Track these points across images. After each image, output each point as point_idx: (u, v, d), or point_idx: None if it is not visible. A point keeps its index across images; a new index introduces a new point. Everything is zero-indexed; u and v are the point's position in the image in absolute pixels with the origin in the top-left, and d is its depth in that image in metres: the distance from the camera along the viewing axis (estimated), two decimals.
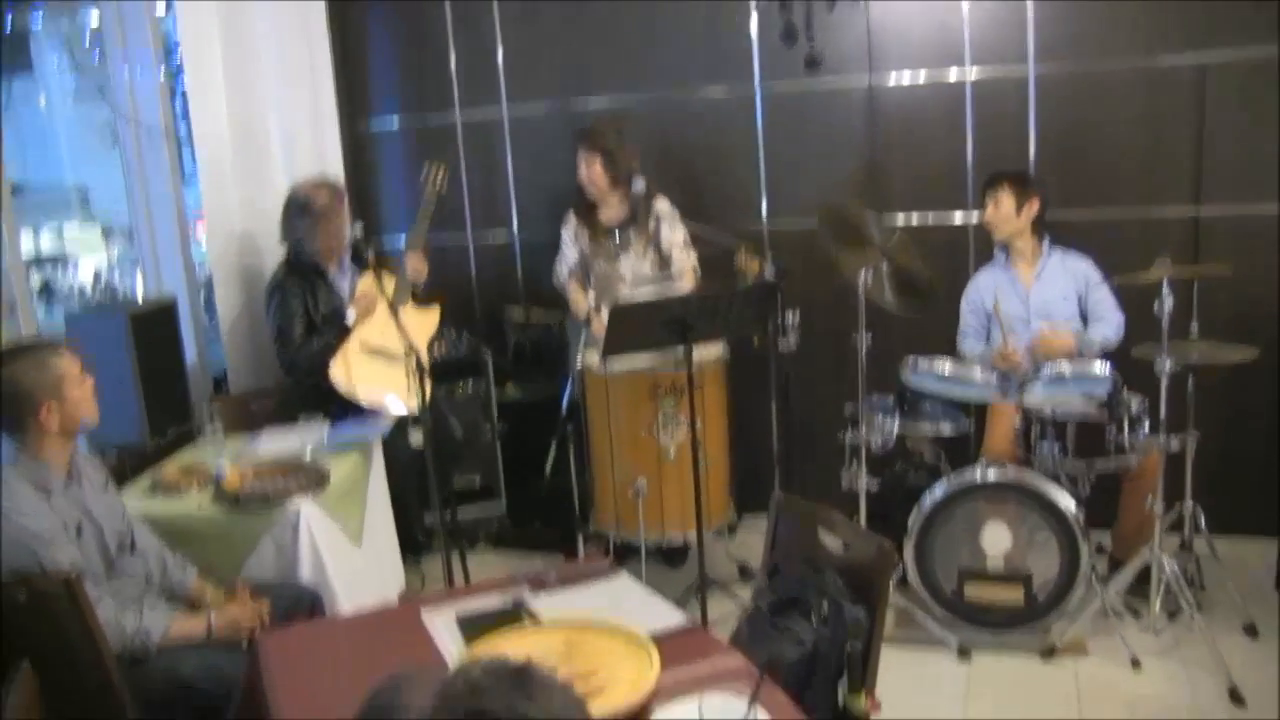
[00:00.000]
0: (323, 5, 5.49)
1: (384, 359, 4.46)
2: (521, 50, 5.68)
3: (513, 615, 2.63)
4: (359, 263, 4.77)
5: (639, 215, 4.85)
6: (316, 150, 5.41)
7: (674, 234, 4.89)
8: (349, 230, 4.67)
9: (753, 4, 5.27)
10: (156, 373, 4.29)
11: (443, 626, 2.60)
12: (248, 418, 4.69)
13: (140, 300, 5.15)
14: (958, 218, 5.23)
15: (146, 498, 3.84)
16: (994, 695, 3.91)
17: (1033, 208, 4.64)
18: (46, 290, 6.47)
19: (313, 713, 2.16)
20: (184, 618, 3.18)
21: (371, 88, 5.96)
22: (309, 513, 3.70)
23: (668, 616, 2.56)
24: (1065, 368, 4.20)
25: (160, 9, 5.02)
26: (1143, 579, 4.22)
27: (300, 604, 3.47)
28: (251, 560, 3.68)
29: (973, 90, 5.09)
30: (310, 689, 2.38)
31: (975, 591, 4.24)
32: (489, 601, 2.73)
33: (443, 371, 5.12)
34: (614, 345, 3.99)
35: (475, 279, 6.01)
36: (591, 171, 4.82)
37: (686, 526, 4.50)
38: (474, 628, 2.54)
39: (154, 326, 4.35)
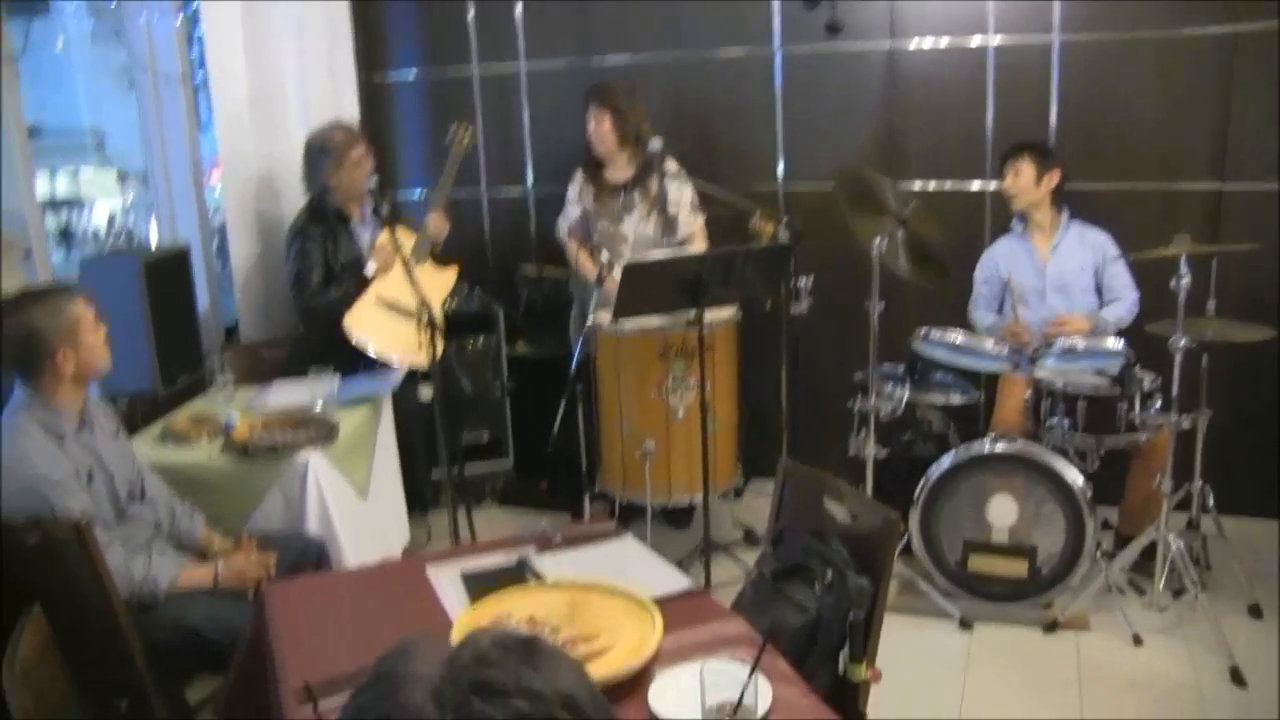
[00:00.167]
0: None
1: (399, 313, 4.45)
2: (540, 5, 5.64)
3: (517, 574, 2.64)
4: (379, 216, 4.77)
5: (646, 177, 4.83)
6: (333, 100, 5.38)
7: (682, 195, 4.86)
8: (372, 173, 4.67)
9: None
10: (169, 320, 4.28)
11: (447, 583, 2.60)
12: (259, 367, 4.70)
13: (154, 246, 5.15)
14: (975, 186, 5.20)
15: (156, 446, 3.85)
16: (994, 667, 3.92)
17: (1053, 179, 4.61)
18: (66, 234, 6.48)
19: (316, 664, 2.18)
20: (192, 566, 3.21)
21: (389, 39, 5.91)
22: (317, 465, 3.71)
23: (672, 580, 2.57)
24: (1078, 342, 4.19)
25: None
26: (1148, 556, 4.22)
27: (307, 555, 3.49)
28: (259, 511, 3.70)
29: (995, 57, 5.05)
30: (314, 641, 2.39)
31: (979, 563, 4.25)
32: (494, 559, 2.74)
33: (454, 326, 5.12)
34: (626, 305, 3.98)
35: (489, 234, 6.00)
36: (600, 129, 4.80)
37: (693, 489, 4.51)
38: (479, 585, 2.55)
39: (168, 274, 4.34)
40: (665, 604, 2.32)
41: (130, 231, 6.56)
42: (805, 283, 4.63)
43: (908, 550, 4.34)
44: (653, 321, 4.44)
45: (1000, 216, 5.00)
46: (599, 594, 2.38)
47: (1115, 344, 4.14)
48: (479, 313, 5.43)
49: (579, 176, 5.02)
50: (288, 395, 4.25)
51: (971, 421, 4.85)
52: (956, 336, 4.33)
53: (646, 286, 3.96)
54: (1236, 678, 3.72)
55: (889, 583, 2.52)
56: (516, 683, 0.88)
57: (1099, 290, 4.68)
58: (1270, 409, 4.87)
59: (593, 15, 5.58)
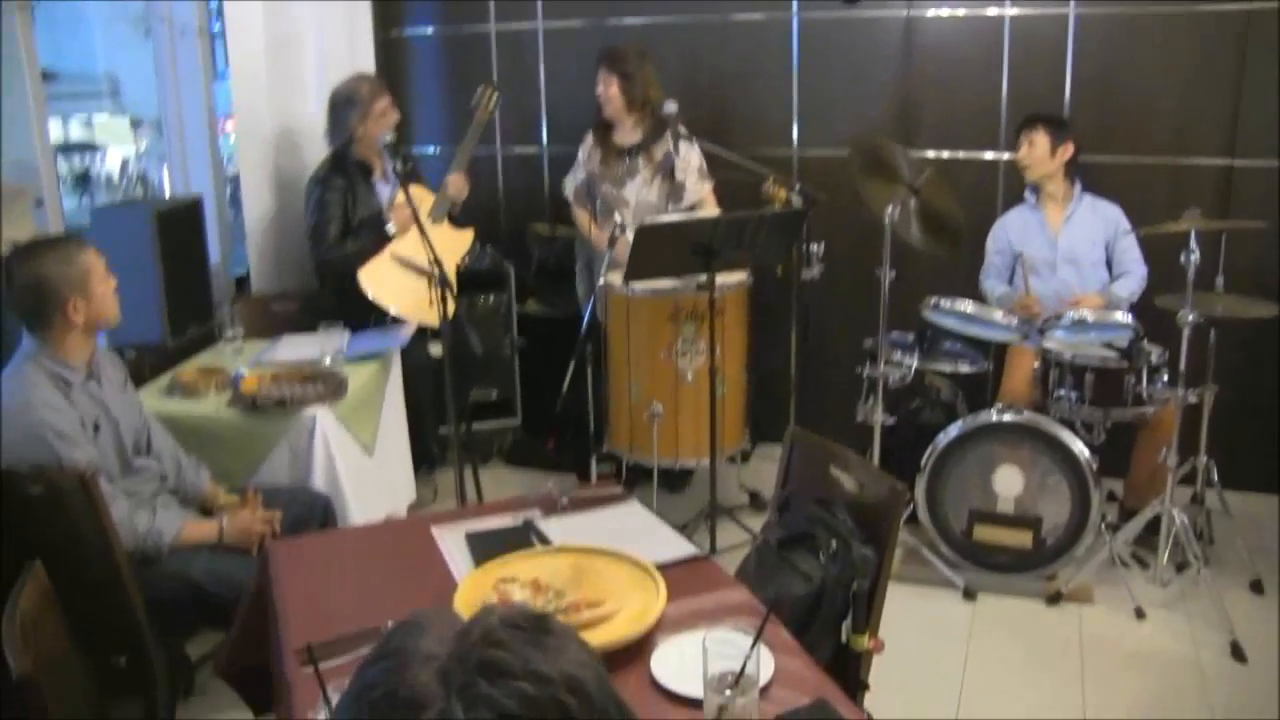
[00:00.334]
0: None
1: (413, 271, 4.44)
2: None
3: (522, 537, 2.64)
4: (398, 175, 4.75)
5: (654, 141, 4.81)
6: (349, 54, 5.34)
7: (690, 160, 4.83)
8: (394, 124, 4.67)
9: None
10: (179, 271, 4.27)
11: (452, 544, 2.61)
12: (269, 319, 4.71)
13: (167, 195, 5.14)
14: (989, 156, 5.17)
15: (164, 398, 3.86)
16: (997, 638, 3.94)
17: (1067, 151, 4.58)
18: (85, 178, 6.48)
19: (318, 623, 2.19)
20: (196, 521, 3.22)
21: None
22: (325, 420, 3.72)
23: (677, 546, 2.57)
24: (1087, 314, 4.18)
25: None
26: (1152, 530, 4.21)
27: (312, 510, 3.51)
28: (265, 465, 3.71)
29: (1011, 26, 5.00)
30: (317, 599, 2.40)
31: (984, 533, 4.25)
32: (499, 521, 2.75)
33: (465, 283, 5.10)
34: (638, 267, 3.97)
35: (502, 191, 5.97)
36: (609, 91, 4.78)
37: (700, 452, 4.52)
38: (483, 547, 2.55)
39: (179, 224, 4.33)
40: (669, 570, 2.33)
41: (145, 176, 6.57)
42: (817, 249, 4.62)
43: (913, 519, 4.34)
44: (664, 284, 4.43)
45: (1013, 187, 4.96)
46: (604, 559, 2.39)
47: (1124, 317, 4.13)
48: (490, 270, 5.41)
49: (589, 138, 5.00)
50: (297, 349, 4.25)
51: (980, 391, 4.84)
52: (966, 306, 4.31)
53: (659, 249, 3.95)
54: (1237, 653, 3.73)
55: (894, 554, 2.52)
56: (524, 665, 0.88)
57: (1109, 264, 4.66)
58: (1276, 385, 4.85)
59: None
